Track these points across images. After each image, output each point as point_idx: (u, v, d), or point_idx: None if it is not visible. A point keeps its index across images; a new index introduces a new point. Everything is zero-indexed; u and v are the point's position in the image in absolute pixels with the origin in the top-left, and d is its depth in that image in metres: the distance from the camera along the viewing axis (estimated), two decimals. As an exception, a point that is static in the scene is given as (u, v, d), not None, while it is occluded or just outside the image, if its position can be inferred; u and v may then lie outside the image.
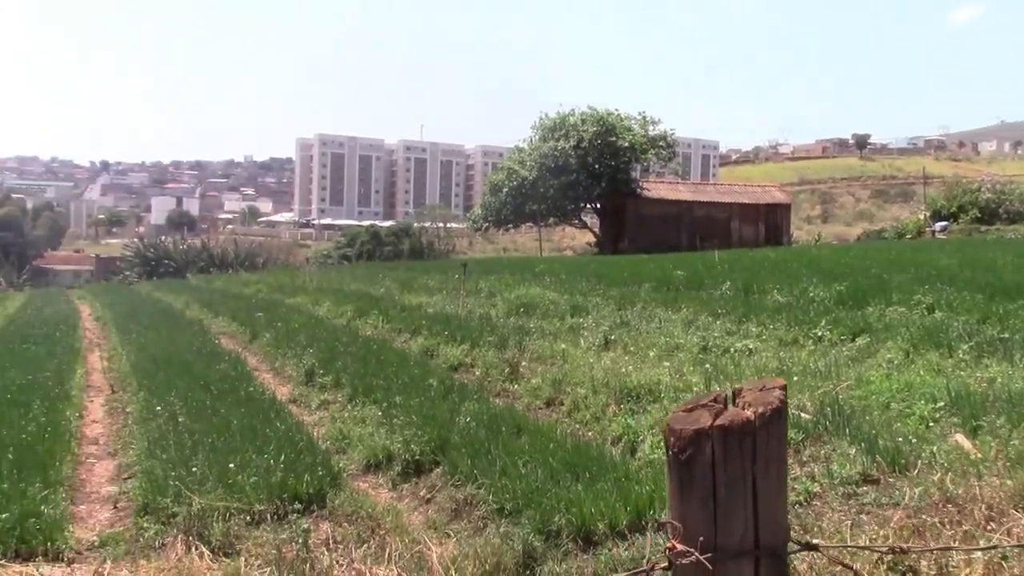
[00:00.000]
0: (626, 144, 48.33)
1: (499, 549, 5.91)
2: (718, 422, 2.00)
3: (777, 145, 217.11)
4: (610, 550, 5.68)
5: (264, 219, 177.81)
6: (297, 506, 7.40)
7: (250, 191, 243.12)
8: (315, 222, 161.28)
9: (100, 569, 6.65)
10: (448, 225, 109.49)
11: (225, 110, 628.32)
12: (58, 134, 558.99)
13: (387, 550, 6.61)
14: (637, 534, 5.74)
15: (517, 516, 6.50)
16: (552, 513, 6.15)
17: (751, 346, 10.66)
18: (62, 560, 6.98)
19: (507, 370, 11.35)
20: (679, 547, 1.99)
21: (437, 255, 62.31)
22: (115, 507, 8.36)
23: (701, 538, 1.97)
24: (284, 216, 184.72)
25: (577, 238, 75.45)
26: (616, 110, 50.60)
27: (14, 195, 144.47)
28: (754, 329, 11.54)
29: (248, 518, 7.30)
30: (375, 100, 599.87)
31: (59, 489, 8.33)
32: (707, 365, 9.71)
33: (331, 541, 6.88)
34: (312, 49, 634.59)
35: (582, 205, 51.76)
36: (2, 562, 6.71)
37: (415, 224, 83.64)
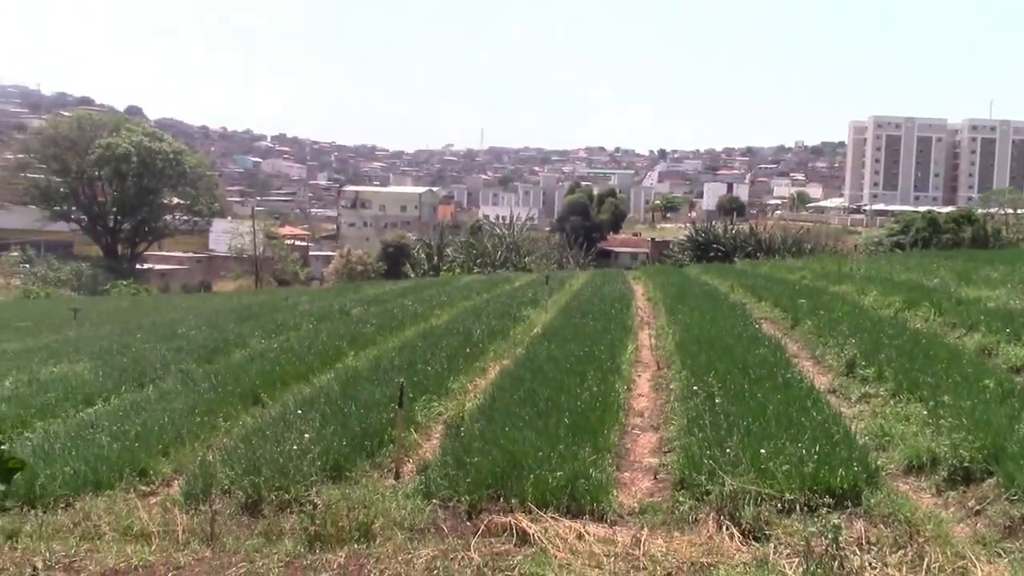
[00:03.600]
0: None
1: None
2: None
3: None
4: None
5: (813, 205, 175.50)
6: (828, 500, 7.21)
7: (799, 176, 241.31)
8: (866, 208, 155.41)
9: (638, 535, 7.06)
10: (1018, 211, 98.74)
11: (776, 95, 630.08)
12: (621, 126, 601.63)
13: (925, 560, 6.17)
14: None
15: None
16: None
17: None
18: (605, 521, 7.52)
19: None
20: None
21: (1004, 244, 56.52)
22: (655, 478, 8.79)
23: None
24: (834, 202, 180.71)
25: None
26: None
27: (583, 183, 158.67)
28: None
29: (779, 505, 7.27)
30: (935, 78, 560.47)
31: (606, 455, 8.95)
32: None
33: (863, 541, 6.59)
34: (863, 27, 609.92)
35: None
36: (555, 516, 7.41)
37: (979, 210, 76.70)
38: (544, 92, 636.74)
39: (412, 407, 10.91)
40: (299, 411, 10.50)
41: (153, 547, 7.24)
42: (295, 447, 8.46)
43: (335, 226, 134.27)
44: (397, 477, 8.82)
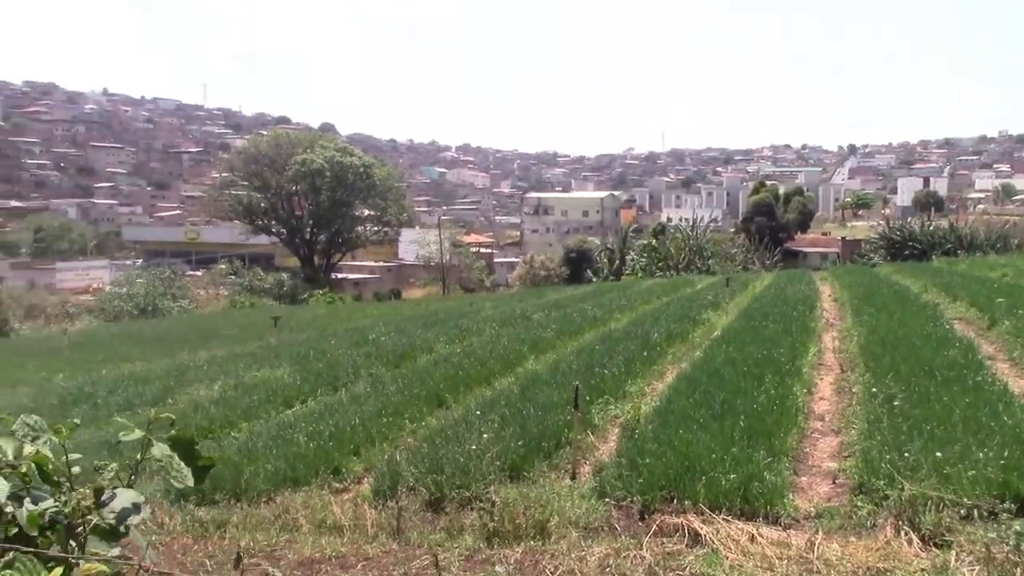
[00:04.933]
0: None
1: None
2: None
3: None
4: None
5: (1020, 197, 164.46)
6: (1010, 506, 6.93)
7: (1004, 167, 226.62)
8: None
9: (812, 539, 7.01)
10: None
11: (975, 82, 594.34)
12: (809, 121, 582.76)
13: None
14: None
15: None
16: None
17: None
18: (779, 524, 7.49)
19: None
20: None
21: None
22: (833, 482, 8.65)
23: None
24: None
25: None
26: None
27: (768, 181, 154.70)
28: None
29: (961, 512, 7.05)
30: None
31: (782, 459, 8.89)
32: None
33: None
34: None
35: None
36: (727, 518, 7.45)
37: None
38: (726, 90, 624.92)
39: (589, 410, 11.13)
40: (480, 413, 10.90)
41: (345, 539, 7.75)
42: (474, 447, 8.83)
43: (519, 233, 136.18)
44: (573, 478, 9.05)
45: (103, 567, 2.42)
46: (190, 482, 3.49)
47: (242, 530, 8.14)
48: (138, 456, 3.47)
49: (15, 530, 3.17)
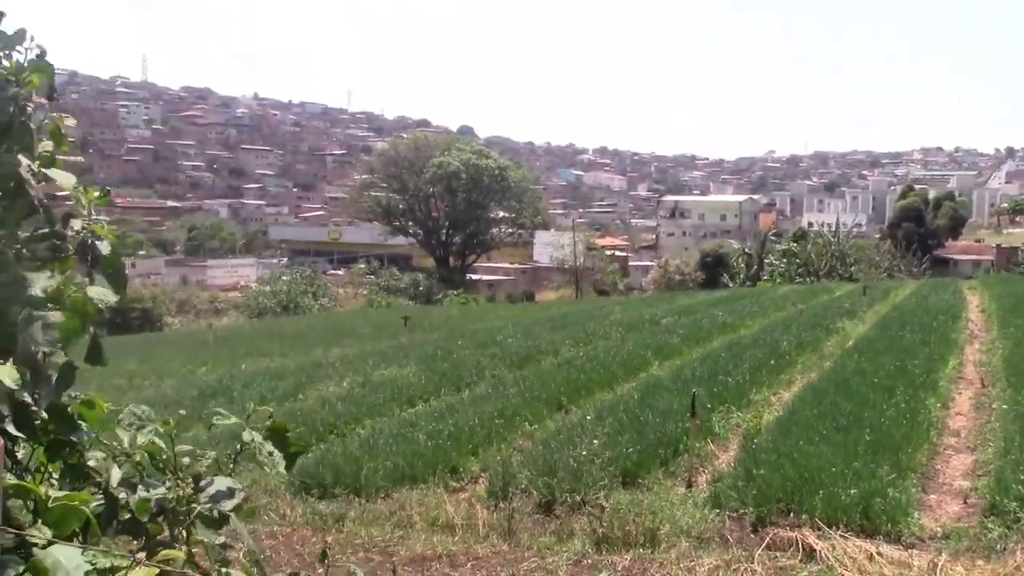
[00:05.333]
0: None
1: None
2: None
3: None
4: None
5: None
6: None
7: None
8: None
9: (935, 560, 6.74)
10: None
11: None
12: (962, 123, 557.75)
13: None
14: None
15: None
16: None
17: None
18: (901, 543, 7.22)
19: None
20: None
21: None
22: (964, 502, 8.29)
23: None
24: None
25: None
26: None
27: (917, 186, 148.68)
28: None
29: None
30: None
31: (909, 475, 8.57)
32: None
33: None
34: None
35: None
36: (844, 534, 7.22)
37: None
38: (873, 91, 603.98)
39: (709, 418, 10.97)
40: (598, 418, 10.88)
41: (456, 538, 7.86)
42: (584, 452, 8.82)
43: (654, 236, 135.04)
44: (689, 486, 8.92)
45: (179, 553, 2.53)
46: (282, 468, 3.65)
47: (359, 524, 8.34)
48: (237, 445, 3.64)
49: (127, 515, 3.35)
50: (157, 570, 2.34)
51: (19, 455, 3.59)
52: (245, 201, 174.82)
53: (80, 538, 3.02)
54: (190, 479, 3.51)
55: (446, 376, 15.32)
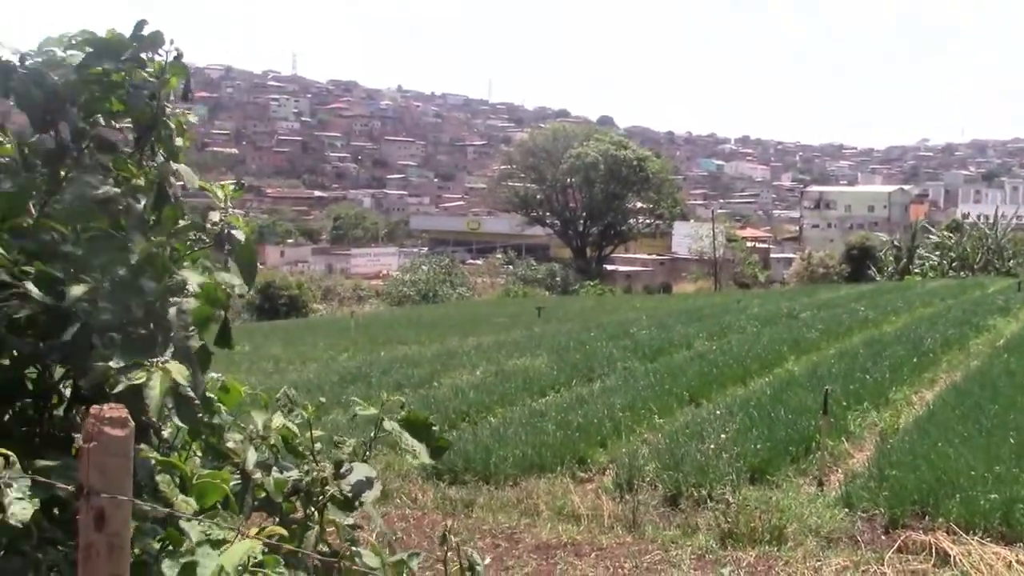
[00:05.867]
0: None
1: None
2: None
3: None
4: None
5: None
6: None
7: None
8: None
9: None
10: None
11: None
12: None
13: None
14: None
15: None
16: None
17: None
18: (1043, 551, 6.95)
19: None
20: None
21: None
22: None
23: None
24: None
25: None
26: None
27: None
28: None
29: None
30: None
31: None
32: None
33: None
34: None
35: None
36: (983, 540, 6.99)
37: None
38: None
39: (845, 416, 10.77)
40: (728, 413, 10.79)
41: (581, 528, 7.97)
42: (712, 447, 8.78)
43: (798, 227, 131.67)
44: (820, 485, 8.78)
45: (280, 529, 2.73)
46: (424, 458, 3.86)
47: (486, 511, 8.54)
48: (371, 433, 3.88)
49: (263, 495, 3.61)
50: (260, 543, 2.54)
51: (165, 434, 3.90)
52: (388, 191, 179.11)
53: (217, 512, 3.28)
54: (330, 464, 3.74)
55: (577, 367, 15.41)
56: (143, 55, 3.21)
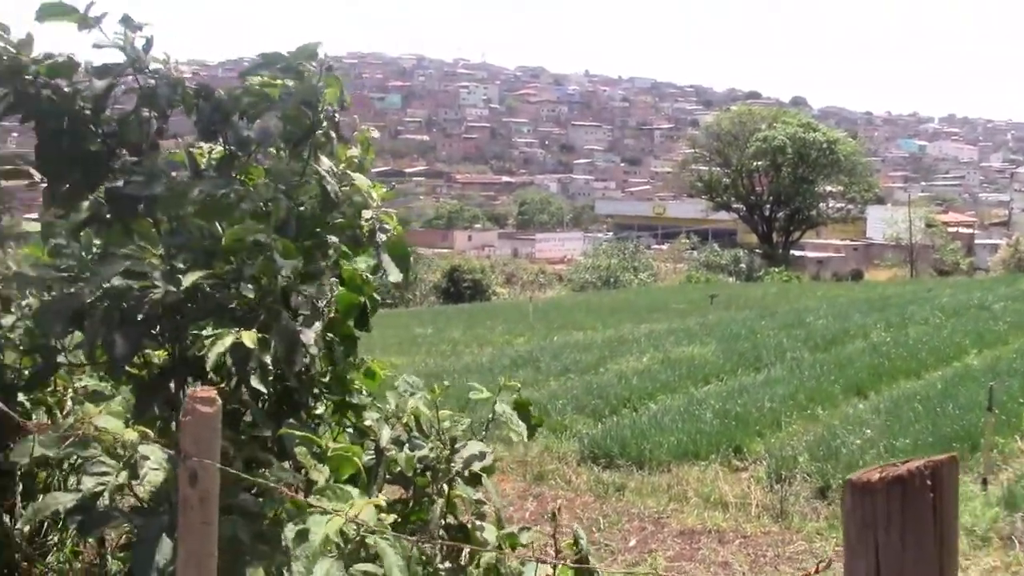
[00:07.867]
0: None
1: None
2: None
3: None
4: None
5: None
6: None
7: None
8: None
9: None
10: None
11: None
12: None
13: None
14: None
15: None
16: None
17: None
18: None
19: None
20: None
21: None
22: None
23: None
24: None
25: None
26: None
27: None
28: None
29: None
30: None
31: None
32: None
33: None
34: None
35: None
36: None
37: None
38: None
39: (1020, 414, 10.36)
40: (894, 407, 10.59)
41: (727, 515, 8.09)
42: (857, 442, 8.70)
43: (1007, 212, 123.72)
44: (984, 483, 8.54)
45: (380, 500, 3.10)
46: (524, 435, 4.26)
47: (636, 495, 8.77)
48: (489, 415, 4.29)
49: (397, 469, 4.06)
50: (373, 510, 2.92)
51: (319, 411, 4.44)
52: (574, 176, 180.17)
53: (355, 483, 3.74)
54: (449, 440, 4.18)
55: (744, 356, 15.32)
56: (299, 66, 3.63)
